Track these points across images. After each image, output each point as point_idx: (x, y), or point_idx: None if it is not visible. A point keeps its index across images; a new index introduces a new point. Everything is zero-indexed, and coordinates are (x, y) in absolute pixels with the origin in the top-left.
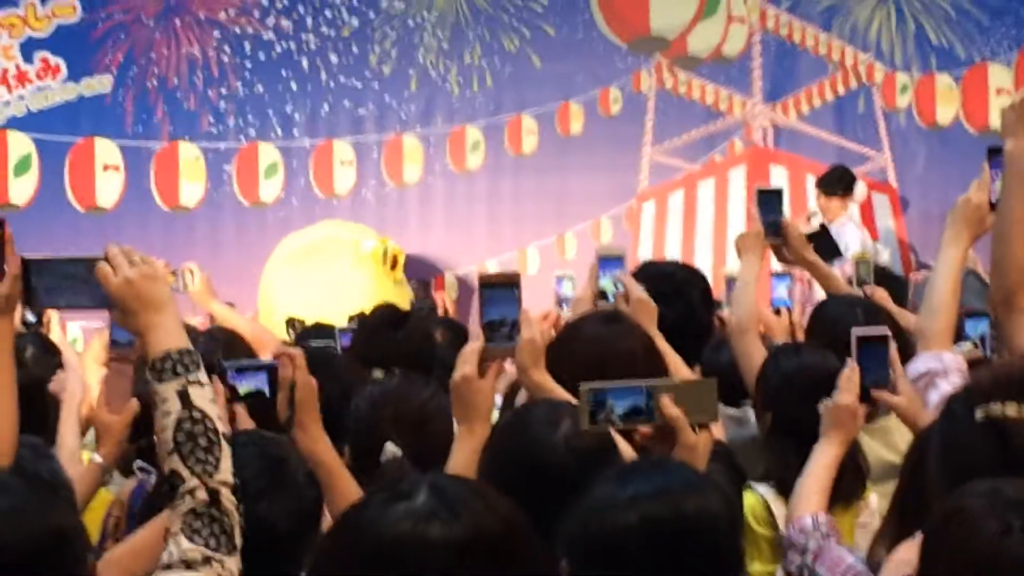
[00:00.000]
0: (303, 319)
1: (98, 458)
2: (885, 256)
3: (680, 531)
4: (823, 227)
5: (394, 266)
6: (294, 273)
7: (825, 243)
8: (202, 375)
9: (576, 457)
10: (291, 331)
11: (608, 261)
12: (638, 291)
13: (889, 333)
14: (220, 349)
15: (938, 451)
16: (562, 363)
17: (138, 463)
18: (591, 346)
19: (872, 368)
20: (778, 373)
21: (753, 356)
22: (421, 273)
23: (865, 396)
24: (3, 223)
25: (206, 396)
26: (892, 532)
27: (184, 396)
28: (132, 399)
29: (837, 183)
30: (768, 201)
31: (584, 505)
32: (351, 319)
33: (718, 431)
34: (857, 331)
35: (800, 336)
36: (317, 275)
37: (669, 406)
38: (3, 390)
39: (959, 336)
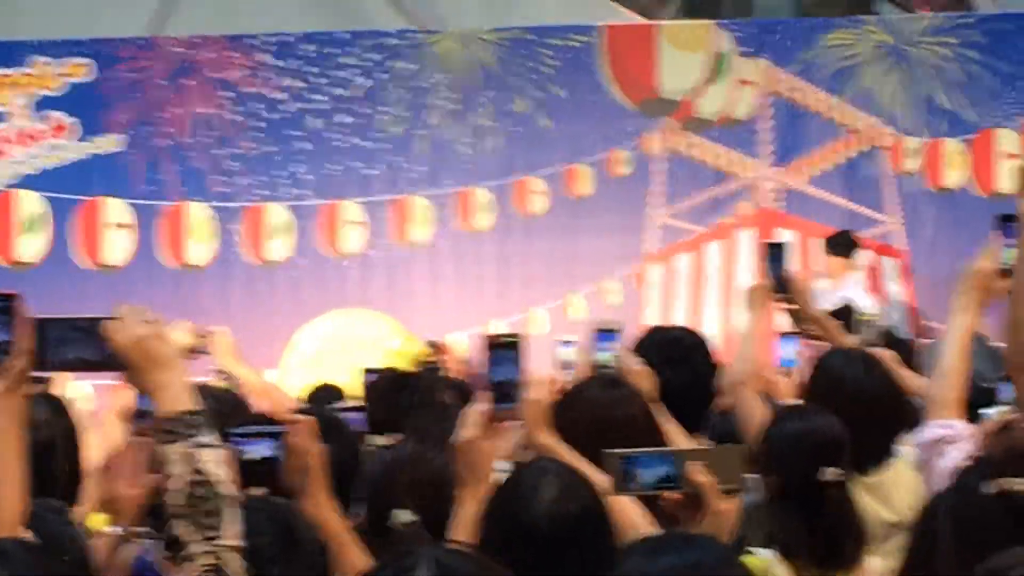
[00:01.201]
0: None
1: (115, 530)
2: (894, 319)
3: None
4: (847, 306)
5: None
6: (314, 375)
7: (849, 317)
8: (209, 437)
9: (560, 521)
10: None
11: (604, 334)
12: (634, 363)
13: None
14: (226, 409)
15: (951, 524)
16: (561, 428)
17: (145, 530)
18: (590, 411)
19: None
20: (782, 436)
21: (748, 409)
22: (429, 334)
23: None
24: (15, 297)
25: (213, 458)
26: None
27: (190, 459)
28: (150, 475)
29: (839, 244)
30: (775, 255)
31: None
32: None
33: None
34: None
35: None
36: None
37: (698, 473)
38: (11, 461)
39: (972, 403)
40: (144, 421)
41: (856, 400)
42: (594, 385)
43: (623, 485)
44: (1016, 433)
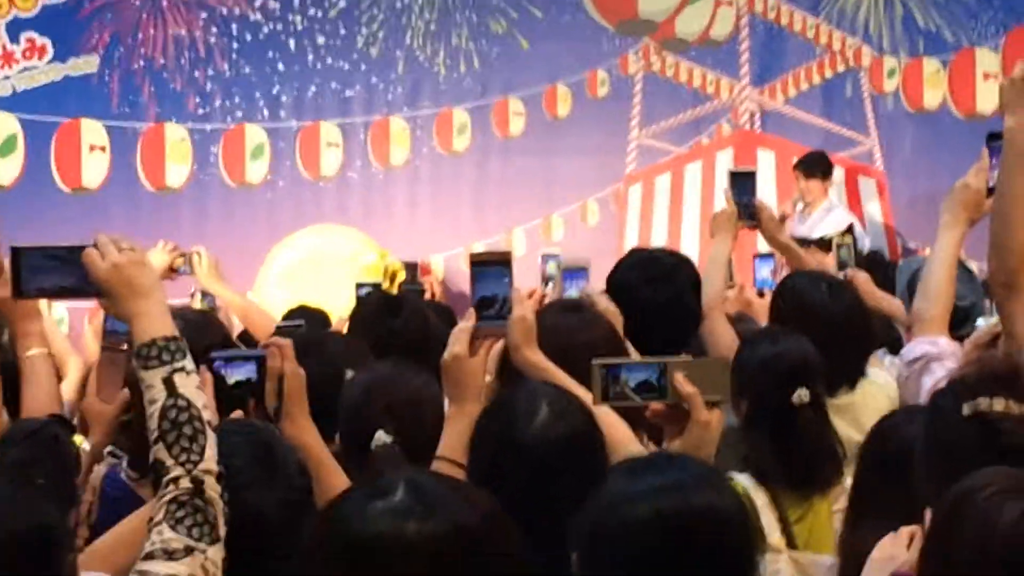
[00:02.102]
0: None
1: (87, 446)
2: (866, 243)
3: (693, 526)
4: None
5: (392, 281)
6: (289, 290)
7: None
8: (188, 362)
9: (553, 444)
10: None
11: (572, 273)
12: (604, 302)
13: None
14: (195, 332)
15: (926, 446)
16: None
17: (108, 448)
18: (552, 337)
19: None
20: (754, 360)
21: (719, 334)
22: (408, 255)
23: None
24: None
25: (191, 383)
26: (852, 524)
27: (169, 383)
28: (123, 389)
29: (817, 165)
30: (742, 183)
31: (595, 498)
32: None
33: None
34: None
35: None
36: (314, 292)
37: (684, 383)
38: None
39: (953, 322)
40: (115, 338)
41: (821, 322)
42: (554, 311)
43: (608, 395)
44: (990, 354)
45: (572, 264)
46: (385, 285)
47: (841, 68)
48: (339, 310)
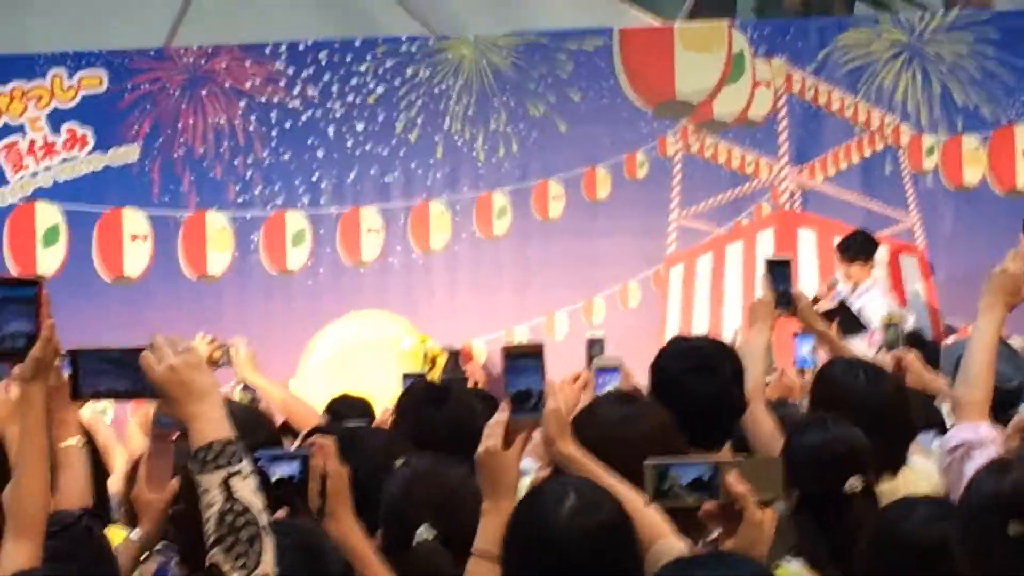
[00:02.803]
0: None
1: (135, 536)
2: (911, 321)
3: None
4: (842, 303)
5: (433, 365)
6: (331, 378)
7: (846, 318)
8: (245, 465)
9: (582, 535)
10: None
11: (605, 371)
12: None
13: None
14: (242, 430)
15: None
16: (579, 442)
17: (159, 545)
18: (605, 430)
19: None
20: (804, 448)
21: (760, 423)
22: (449, 339)
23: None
24: (40, 283)
25: (249, 487)
26: None
27: (227, 487)
28: (172, 479)
29: (858, 248)
30: (778, 271)
31: None
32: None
33: None
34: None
35: None
36: (356, 379)
37: (736, 483)
38: (36, 454)
39: (994, 406)
40: (164, 428)
41: (861, 410)
42: (609, 402)
43: (660, 494)
44: None
45: (605, 363)
46: (425, 369)
47: (880, 146)
48: (382, 397)
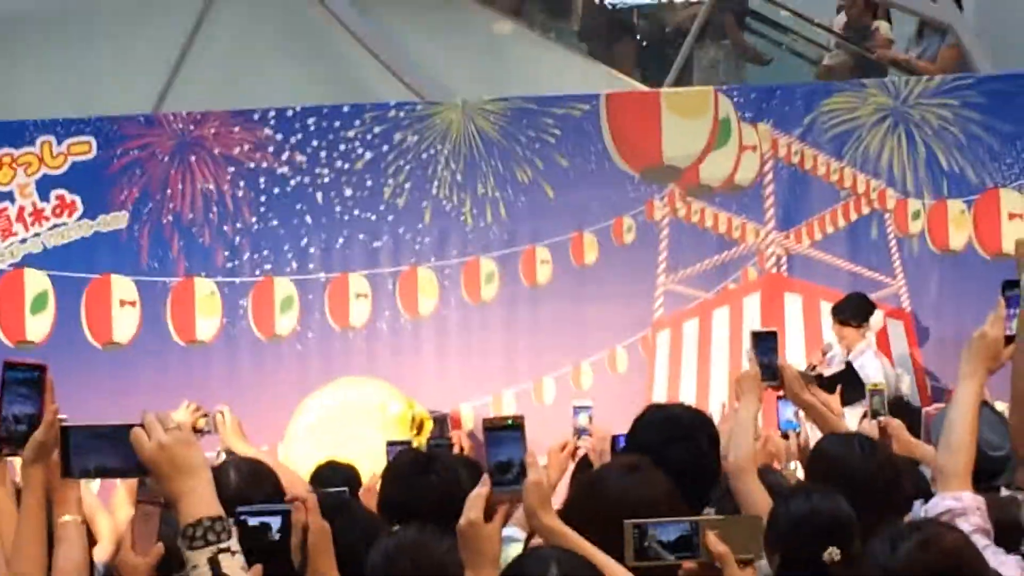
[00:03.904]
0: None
1: None
2: (906, 382)
3: None
4: (849, 366)
5: (420, 430)
6: (318, 443)
7: (850, 382)
8: (233, 543)
9: None
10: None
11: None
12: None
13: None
14: (249, 483)
15: None
16: (585, 514)
17: None
18: (612, 496)
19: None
20: (788, 516)
21: (752, 495)
22: (437, 404)
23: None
24: (45, 369)
25: (237, 564)
26: None
27: (215, 564)
28: (158, 543)
29: (852, 311)
30: (764, 343)
31: None
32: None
33: None
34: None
35: None
36: (342, 444)
37: (716, 543)
38: (34, 536)
39: (980, 472)
40: (150, 493)
41: (853, 483)
42: (614, 470)
43: (641, 554)
44: None
45: (579, 403)
46: (412, 434)
47: (866, 210)
48: (368, 463)
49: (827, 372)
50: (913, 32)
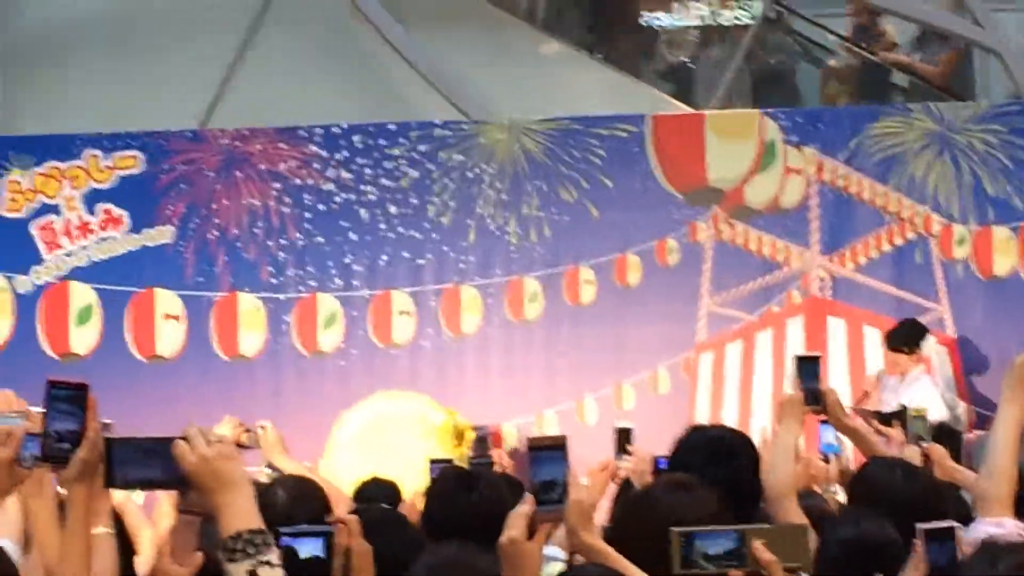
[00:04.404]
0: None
1: None
2: (962, 407)
3: None
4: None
5: (461, 440)
6: (360, 454)
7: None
8: (273, 556)
9: None
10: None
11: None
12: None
13: (957, 526)
14: (297, 501)
15: None
16: (631, 532)
17: None
18: (661, 514)
19: (938, 560)
20: (836, 542)
21: (790, 520)
22: (477, 422)
23: None
24: (87, 388)
25: None
26: None
27: None
28: (197, 553)
29: (906, 338)
30: (808, 368)
31: None
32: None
33: None
34: (924, 526)
35: None
36: (384, 456)
37: (763, 551)
38: (78, 554)
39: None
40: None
41: (895, 508)
42: (663, 488)
43: (687, 563)
44: None
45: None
46: (454, 445)
47: (911, 235)
48: (409, 476)
49: (883, 404)
50: (913, 37)
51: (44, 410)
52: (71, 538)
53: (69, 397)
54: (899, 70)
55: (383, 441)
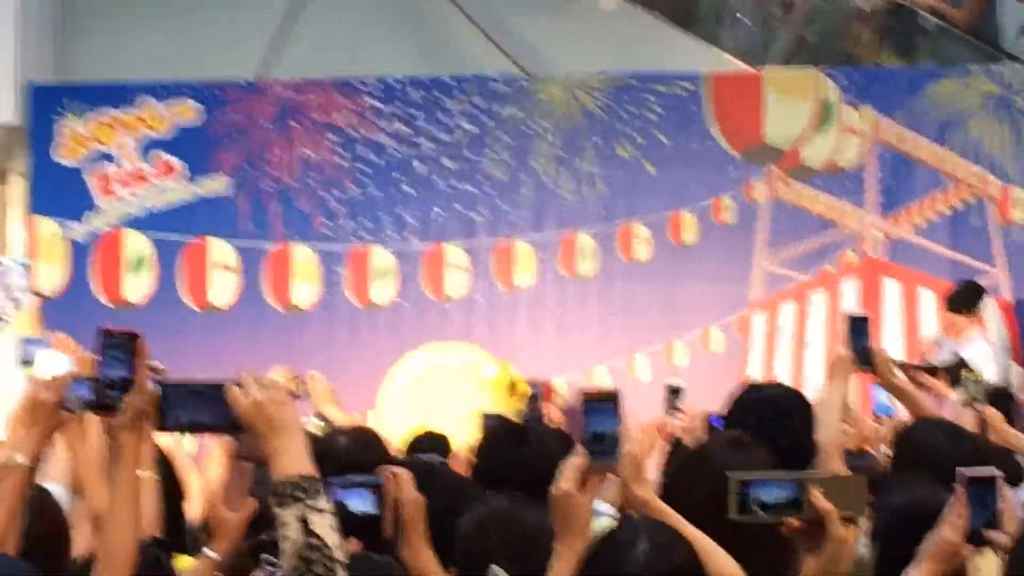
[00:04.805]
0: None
1: (212, 553)
2: (1016, 371)
3: None
4: (958, 357)
5: (514, 393)
6: (412, 405)
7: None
8: (323, 502)
9: None
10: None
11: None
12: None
13: (998, 474)
14: (359, 449)
15: None
16: (686, 488)
17: (265, 556)
18: (718, 472)
19: (979, 509)
20: (888, 508)
21: None
22: (530, 377)
23: (971, 538)
24: (139, 337)
25: (326, 523)
26: None
27: (304, 522)
28: (250, 498)
29: (965, 300)
30: (857, 327)
31: None
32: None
33: None
34: (966, 472)
35: None
36: (437, 407)
37: (820, 499)
38: (127, 502)
39: None
40: (245, 449)
41: (939, 469)
42: (720, 446)
43: (744, 510)
44: None
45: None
46: (507, 397)
47: (968, 198)
48: (460, 427)
49: (937, 362)
50: None
51: (98, 357)
52: (120, 485)
53: (121, 345)
54: (925, 12)
55: (434, 393)
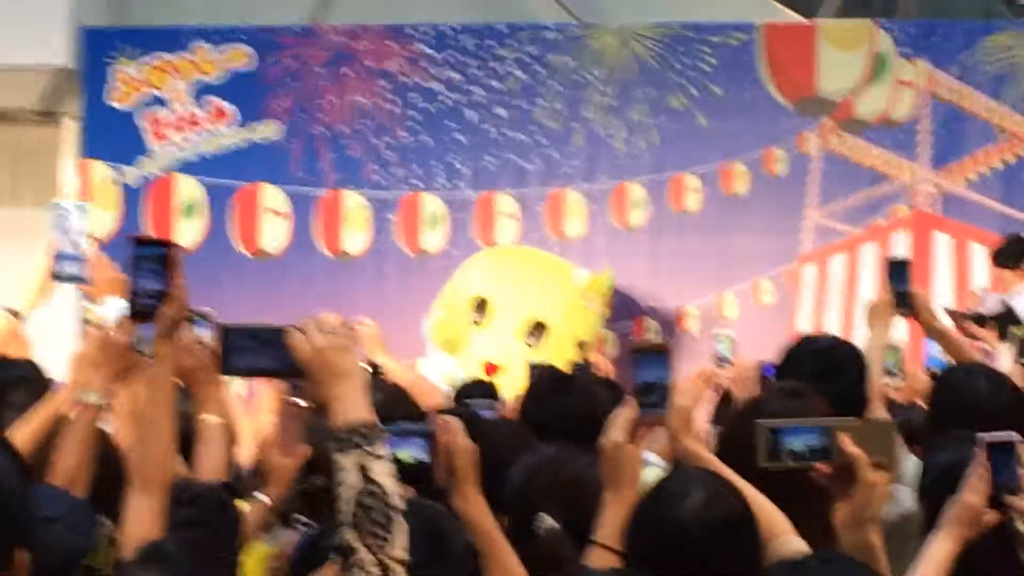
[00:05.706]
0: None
1: (264, 498)
2: None
3: None
4: (1007, 307)
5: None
6: (502, 264)
7: (1011, 321)
8: (383, 449)
9: (706, 528)
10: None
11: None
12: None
13: (1018, 439)
14: (392, 403)
15: None
16: (740, 439)
17: (298, 517)
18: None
19: (1002, 472)
20: (937, 466)
21: None
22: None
23: (994, 502)
24: (173, 245)
25: (385, 470)
26: None
27: (364, 469)
28: (303, 444)
29: (1014, 254)
30: (898, 271)
31: None
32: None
33: None
34: (986, 436)
35: None
36: (522, 276)
37: (849, 445)
38: (162, 409)
39: None
40: (300, 394)
41: (976, 416)
42: (776, 396)
43: (773, 456)
44: None
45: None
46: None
47: (1021, 152)
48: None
49: (985, 312)
50: None
51: (132, 268)
52: (154, 395)
53: (155, 256)
54: None
55: (527, 267)
